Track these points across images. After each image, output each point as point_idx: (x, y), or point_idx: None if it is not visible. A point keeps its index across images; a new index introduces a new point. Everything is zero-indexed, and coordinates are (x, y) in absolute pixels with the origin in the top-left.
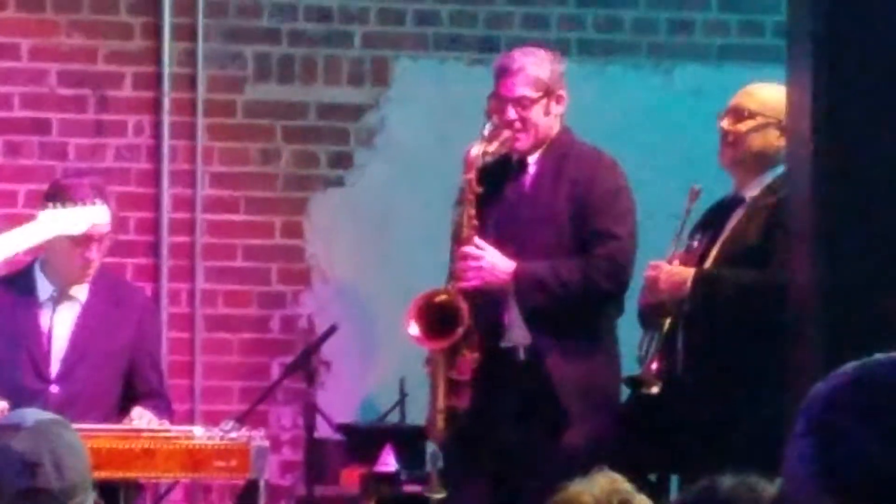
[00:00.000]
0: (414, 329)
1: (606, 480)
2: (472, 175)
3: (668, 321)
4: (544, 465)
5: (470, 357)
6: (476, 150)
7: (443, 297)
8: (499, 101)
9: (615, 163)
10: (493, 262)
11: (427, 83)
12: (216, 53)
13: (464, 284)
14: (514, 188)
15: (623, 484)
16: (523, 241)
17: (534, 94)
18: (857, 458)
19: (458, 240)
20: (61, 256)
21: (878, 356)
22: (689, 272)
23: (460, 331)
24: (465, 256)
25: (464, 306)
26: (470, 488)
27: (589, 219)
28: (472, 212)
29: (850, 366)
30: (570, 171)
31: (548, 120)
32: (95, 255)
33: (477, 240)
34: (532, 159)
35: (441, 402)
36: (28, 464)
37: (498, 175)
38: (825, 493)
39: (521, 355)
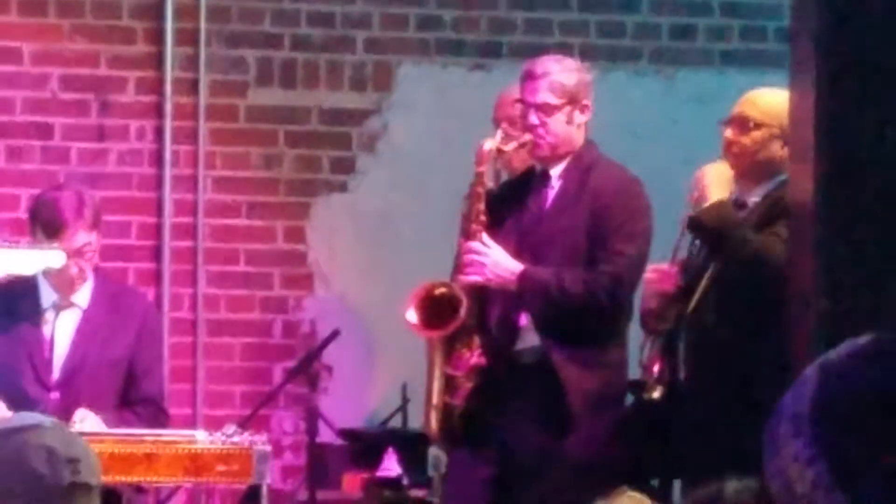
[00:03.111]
0: (412, 316)
1: (632, 502)
2: (484, 168)
3: (669, 326)
4: (548, 470)
5: (467, 354)
6: (489, 144)
7: (444, 289)
8: (522, 106)
9: (639, 182)
10: (497, 260)
11: (429, 88)
12: (218, 58)
13: (464, 279)
14: (535, 201)
15: None
16: (540, 256)
17: (556, 101)
18: (884, 485)
19: (465, 232)
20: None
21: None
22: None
23: (457, 322)
24: (469, 251)
25: (464, 299)
26: (472, 489)
27: (602, 236)
28: (481, 206)
29: (821, 370)
30: (592, 187)
31: (569, 129)
32: (84, 266)
33: (484, 237)
34: (555, 173)
35: (436, 398)
36: (70, 459)
37: (521, 186)
38: None
39: (532, 358)
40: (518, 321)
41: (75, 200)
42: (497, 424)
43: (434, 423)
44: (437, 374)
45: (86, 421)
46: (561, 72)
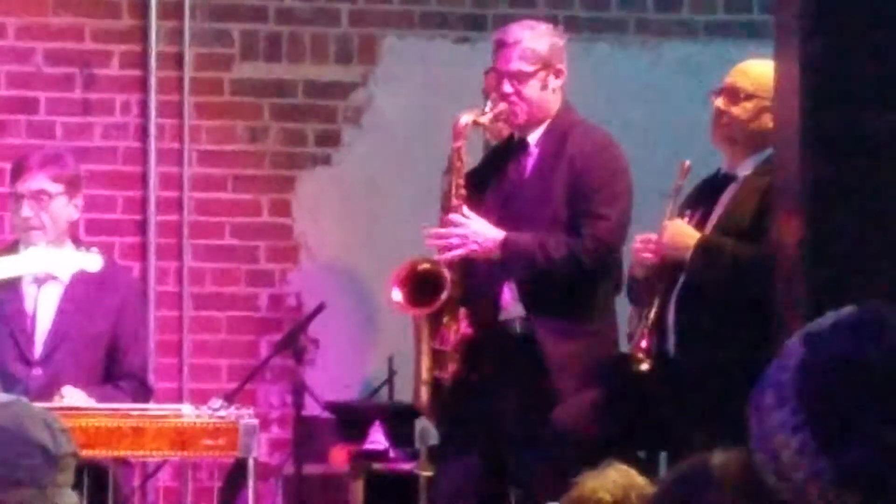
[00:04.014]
0: (396, 295)
1: (619, 474)
2: (461, 143)
3: (657, 298)
4: (535, 441)
5: (454, 328)
6: (465, 118)
7: (426, 265)
8: (496, 75)
9: (615, 144)
10: (477, 230)
11: (414, 61)
12: (203, 32)
13: (447, 255)
14: (515, 169)
15: (637, 478)
16: (522, 223)
17: (530, 68)
18: (868, 450)
19: (445, 209)
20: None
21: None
22: (695, 234)
23: (443, 297)
24: (449, 224)
25: (447, 274)
26: (461, 461)
27: (582, 199)
28: (460, 181)
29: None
30: (570, 151)
31: (545, 94)
32: (41, 214)
33: (465, 209)
34: (533, 140)
35: (425, 374)
36: (62, 429)
37: (500, 156)
38: (839, 488)
39: (518, 329)
40: (502, 292)
41: (49, 154)
42: (484, 395)
43: (424, 398)
44: (424, 349)
45: (73, 397)
46: (532, 38)
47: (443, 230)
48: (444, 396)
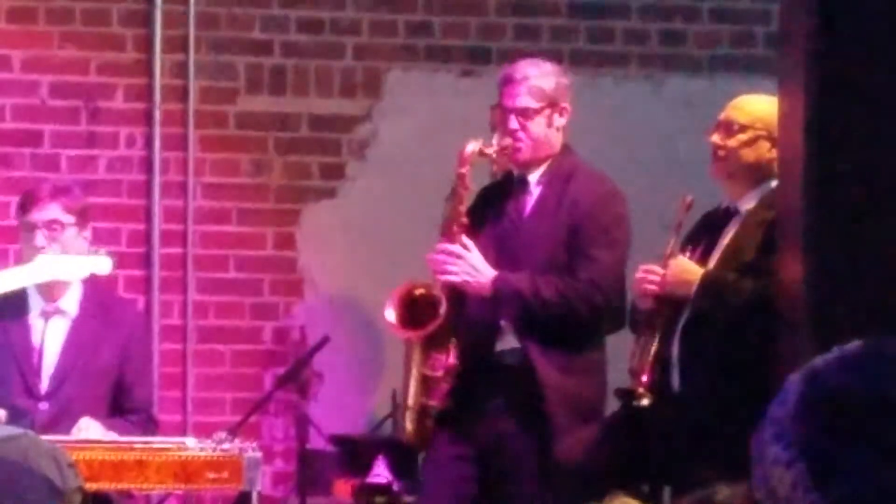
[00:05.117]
0: (390, 315)
1: None
2: (466, 170)
3: (658, 332)
4: (531, 472)
5: (444, 355)
6: (472, 146)
7: (423, 290)
8: (502, 111)
9: (618, 190)
10: (474, 264)
11: (419, 94)
12: (208, 65)
13: (441, 278)
14: (514, 208)
15: None
16: (519, 262)
17: (536, 105)
18: (860, 485)
19: (446, 234)
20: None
21: (827, 360)
22: (699, 270)
23: (436, 323)
24: (444, 251)
25: (443, 300)
26: (452, 487)
27: (581, 243)
28: (462, 208)
29: (806, 374)
30: (573, 194)
31: (549, 132)
32: (44, 242)
33: (464, 238)
34: (534, 179)
35: (411, 400)
36: (69, 464)
37: (497, 193)
38: None
39: (513, 360)
40: (497, 322)
41: (59, 185)
42: (477, 426)
43: (409, 425)
44: (413, 374)
45: (90, 429)
46: (540, 76)
47: (441, 256)
48: (429, 423)
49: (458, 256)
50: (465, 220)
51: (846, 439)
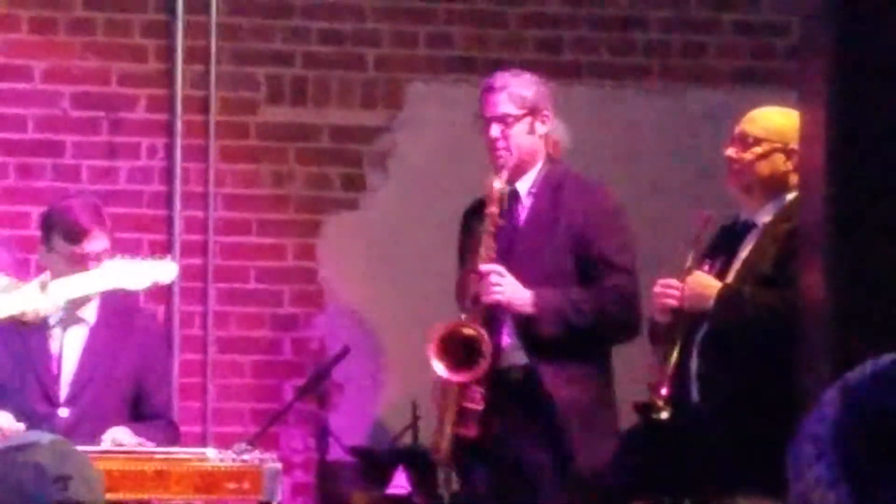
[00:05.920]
0: (439, 368)
1: None
2: (495, 209)
3: (677, 345)
4: (549, 487)
5: (483, 387)
6: (498, 184)
7: (470, 331)
8: (483, 121)
9: (610, 193)
10: (515, 285)
11: (439, 106)
12: (229, 76)
13: (487, 298)
14: (509, 221)
15: None
16: (522, 275)
17: (516, 112)
18: None
19: (474, 268)
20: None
21: (863, 375)
22: (716, 285)
23: (486, 364)
24: (492, 272)
25: (486, 338)
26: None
27: (590, 244)
28: (493, 244)
29: (843, 391)
30: (566, 200)
31: (531, 139)
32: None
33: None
34: (523, 189)
35: (448, 429)
36: (60, 476)
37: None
38: None
39: (520, 376)
40: (501, 341)
41: (91, 206)
42: (490, 444)
43: (444, 451)
44: (450, 405)
45: (121, 436)
46: (519, 84)
47: (493, 277)
48: (458, 449)
49: (503, 276)
50: (494, 255)
51: (890, 461)
